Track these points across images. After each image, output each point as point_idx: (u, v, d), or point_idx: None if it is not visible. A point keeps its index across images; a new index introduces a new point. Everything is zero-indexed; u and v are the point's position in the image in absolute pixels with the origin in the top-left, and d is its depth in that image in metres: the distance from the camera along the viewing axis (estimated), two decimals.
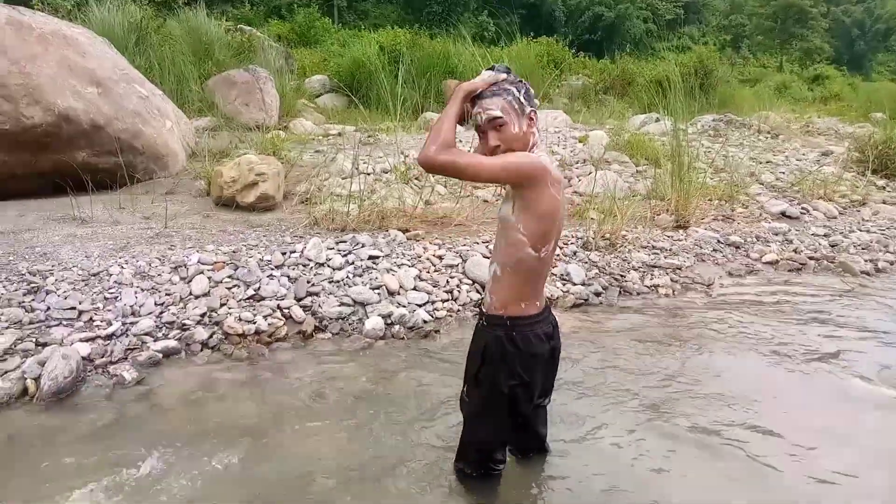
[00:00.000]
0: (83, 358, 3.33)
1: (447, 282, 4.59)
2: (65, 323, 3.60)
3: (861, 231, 6.88)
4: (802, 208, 7.45)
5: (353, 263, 4.49)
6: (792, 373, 3.74)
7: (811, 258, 6.07)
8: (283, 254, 4.50)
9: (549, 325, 2.32)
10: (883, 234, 6.87)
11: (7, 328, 3.45)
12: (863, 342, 4.23)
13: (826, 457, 2.89)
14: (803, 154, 10.35)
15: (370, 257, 4.59)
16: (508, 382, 2.24)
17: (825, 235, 6.68)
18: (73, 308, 3.69)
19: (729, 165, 8.60)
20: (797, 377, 3.70)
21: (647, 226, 6.35)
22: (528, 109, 2.17)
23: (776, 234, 6.53)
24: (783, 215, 7.23)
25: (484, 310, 2.31)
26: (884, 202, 8.20)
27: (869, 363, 3.86)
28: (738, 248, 6.13)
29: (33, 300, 3.72)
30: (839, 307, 4.91)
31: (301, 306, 4.05)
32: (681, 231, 6.33)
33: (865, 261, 6.02)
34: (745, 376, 3.71)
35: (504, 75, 2.20)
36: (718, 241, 6.15)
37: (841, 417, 3.28)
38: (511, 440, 2.54)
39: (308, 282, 4.24)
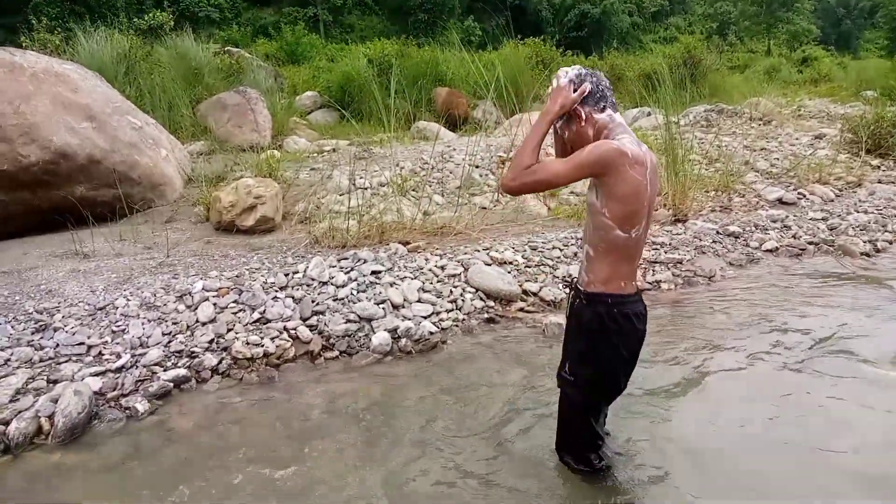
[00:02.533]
0: (95, 393, 3.35)
1: (451, 292, 4.62)
2: (74, 358, 3.62)
3: (858, 212, 6.92)
4: (799, 193, 7.49)
5: (356, 280, 4.52)
6: (801, 362, 3.75)
7: (810, 243, 6.10)
8: (287, 275, 4.53)
9: (643, 307, 2.39)
10: (880, 213, 6.90)
11: (18, 368, 3.47)
12: (866, 325, 4.25)
13: (837, 439, 2.91)
14: (796, 139, 10.39)
15: (373, 272, 4.62)
16: (612, 359, 2.32)
17: (823, 219, 6.71)
18: (82, 343, 3.72)
19: (723, 155, 8.64)
20: (806, 365, 3.71)
21: None
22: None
23: (774, 222, 6.56)
24: (780, 202, 7.26)
25: (581, 287, 2.36)
26: (879, 181, 8.24)
27: (874, 346, 3.88)
28: (737, 237, 6.16)
29: (41, 338, 3.74)
30: (841, 291, 4.93)
31: (307, 326, 4.08)
32: (679, 225, 6.36)
33: (864, 242, 6.05)
34: (753, 370, 3.73)
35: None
36: (717, 233, 6.19)
37: (848, 401, 3.29)
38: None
39: (313, 301, 4.27)
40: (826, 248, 6.03)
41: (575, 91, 2.26)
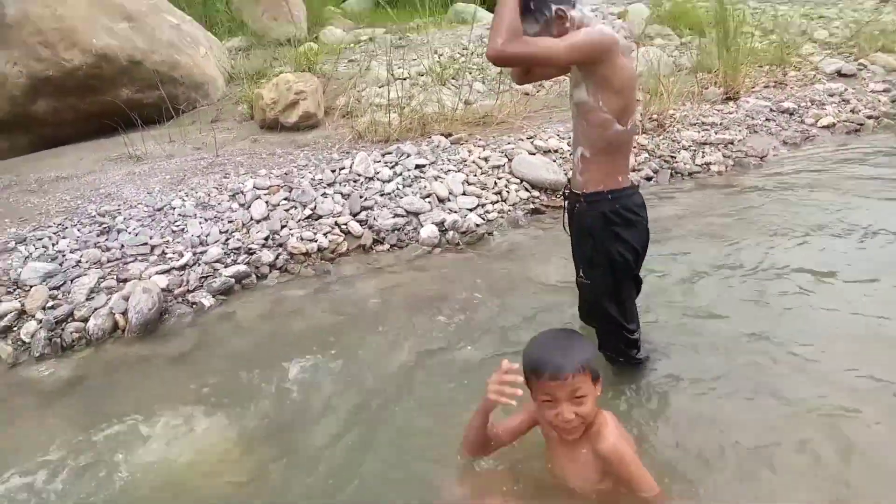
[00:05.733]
0: (162, 289, 3.54)
1: (495, 183, 4.63)
2: (140, 258, 3.81)
3: None
4: (860, 64, 7.08)
5: (401, 175, 4.56)
6: (859, 250, 3.59)
7: (870, 117, 5.84)
8: (333, 171, 4.60)
9: (641, 196, 2.39)
10: None
11: (89, 268, 3.68)
12: None
13: None
14: (859, 3, 9.66)
15: (417, 166, 4.64)
16: (621, 252, 2.31)
17: (885, 91, 6.38)
18: (146, 244, 3.90)
19: (778, 26, 8.14)
20: (863, 258, 3.51)
21: (695, 101, 6.17)
22: (552, 9, 2.12)
23: (832, 96, 6.28)
24: (839, 74, 6.90)
25: (578, 191, 2.34)
26: None
27: None
28: (791, 114, 5.93)
29: (107, 240, 3.93)
30: None
31: (357, 221, 4.18)
32: (731, 103, 6.14)
33: None
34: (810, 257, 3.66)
35: None
36: (771, 110, 5.96)
37: None
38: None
39: (361, 196, 4.35)
40: (887, 121, 5.76)
41: None
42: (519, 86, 2.45)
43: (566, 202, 2.49)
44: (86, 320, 3.32)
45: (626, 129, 2.22)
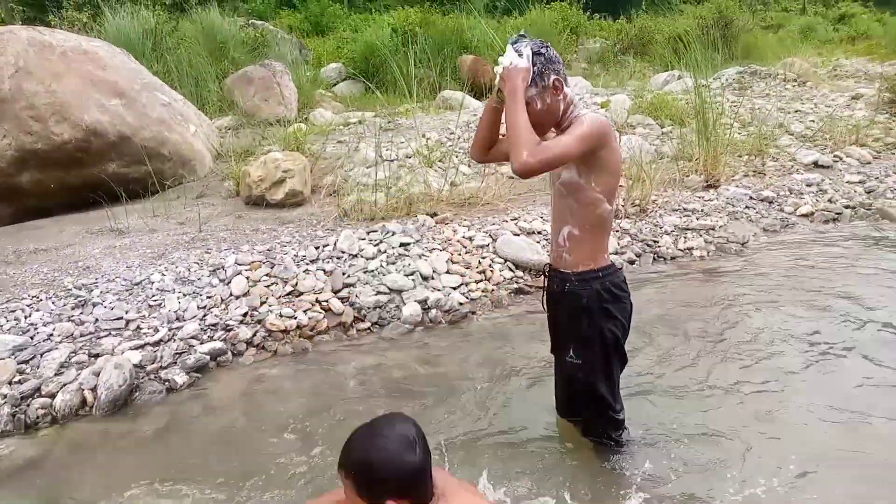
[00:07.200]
0: (135, 366, 3.43)
1: (479, 262, 4.62)
2: (114, 333, 3.71)
3: None
4: (835, 156, 7.29)
5: (385, 252, 4.55)
6: (835, 336, 3.65)
7: (847, 207, 5.97)
8: (317, 248, 4.58)
9: (623, 274, 2.43)
10: None
11: (60, 342, 3.57)
12: None
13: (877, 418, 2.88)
14: (832, 99, 10.06)
15: (401, 244, 4.64)
16: (611, 329, 2.33)
17: (860, 182, 6.54)
18: (121, 318, 3.81)
19: (756, 118, 8.43)
20: (841, 338, 3.62)
21: (676, 188, 6.29)
22: (550, 78, 2.17)
23: (809, 185, 6.42)
24: (815, 165, 7.08)
25: (569, 270, 2.35)
26: None
27: None
28: (770, 202, 6.05)
29: (81, 313, 3.84)
30: (879, 256, 4.83)
31: (339, 298, 4.12)
32: (711, 190, 6.26)
33: None
34: (786, 333, 3.68)
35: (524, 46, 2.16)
36: (750, 198, 6.08)
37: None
38: None
39: (343, 273, 4.31)
40: (863, 211, 5.89)
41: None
42: (480, 163, 2.55)
43: (547, 282, 2.50)
44: (53, 396, 3.20)
45: (612, 209, 2.29)
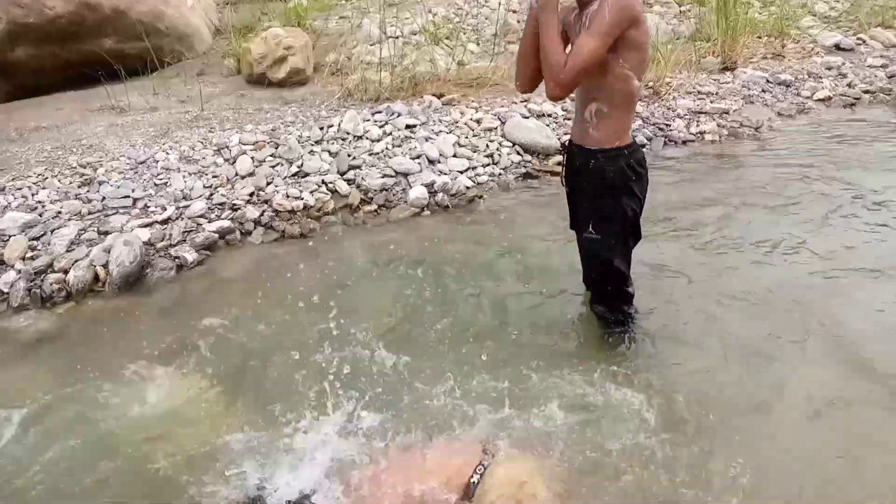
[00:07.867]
0: (145, 243, 3.46)
1: (487, 146, 4.55)
2: (122, 211, 3.73)
3: None
4: (858, 39, 7.00)
5: (390, 134, 4.47)
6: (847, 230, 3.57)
7: (866, 92, 5.80)
8: (321, 129, 4.50)
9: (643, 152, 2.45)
10: None
11: (69, 220, 3.59)
12: None
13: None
14: None
15: (407, 126, 4.55)
16: (633, 207, 2.37)
17: (882, 66, 6.33)
18: (128, 196, 3.81)
19: None
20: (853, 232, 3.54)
21: (692, 70, 6.09)
22: None
23: (829, 69, 6.22)
24: (837, 48, 6.82)
25: (594, 147, 2.33)
26: None
27: None
28: (788, 86, 5.88)
29: (88, 191, 3.84)
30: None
31: (345, 180, 4.10)
32: (728, 73, 6.07)
33: None
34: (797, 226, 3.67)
35: None
36: (767, 81, 5.90)
37: None
38: None
39: (349, 155, 4.26)
40: (883, 97, 5.73)
41: None
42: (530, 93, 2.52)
43: (567, 158, 2.49)
44: (66, 272, 3.25)
45: (640, 85, 2.27)
